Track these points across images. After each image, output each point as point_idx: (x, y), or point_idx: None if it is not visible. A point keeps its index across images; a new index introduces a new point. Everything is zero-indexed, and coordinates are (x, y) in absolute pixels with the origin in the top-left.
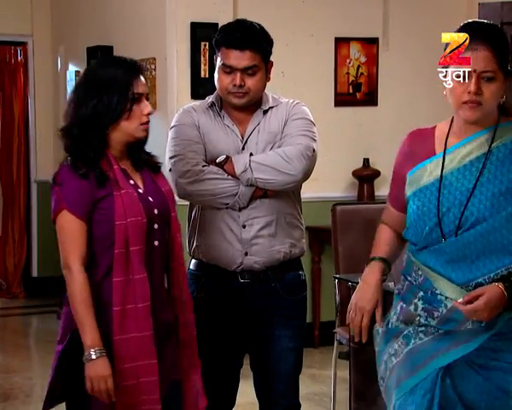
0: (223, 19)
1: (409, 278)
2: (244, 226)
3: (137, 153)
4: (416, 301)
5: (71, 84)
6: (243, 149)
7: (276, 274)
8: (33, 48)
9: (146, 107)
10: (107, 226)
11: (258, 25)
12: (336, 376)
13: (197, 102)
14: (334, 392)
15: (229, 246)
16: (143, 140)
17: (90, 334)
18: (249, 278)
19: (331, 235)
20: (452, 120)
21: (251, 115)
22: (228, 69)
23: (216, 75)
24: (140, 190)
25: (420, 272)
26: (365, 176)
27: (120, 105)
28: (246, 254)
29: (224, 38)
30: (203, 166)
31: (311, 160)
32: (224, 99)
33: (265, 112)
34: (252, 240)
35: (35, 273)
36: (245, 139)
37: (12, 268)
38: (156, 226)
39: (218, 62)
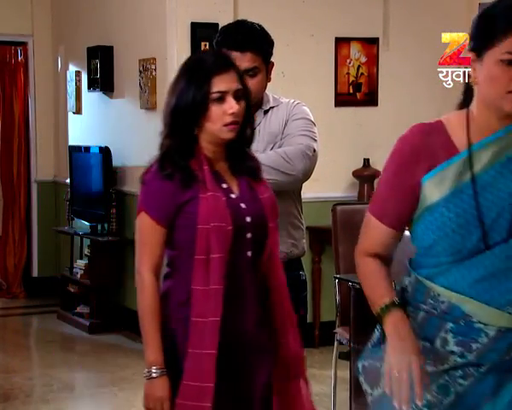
0: (223, 19)
1: (424, 308)
2: None
3: (236, 156)
4: (443, 335)
5: (71, 84)
6: None
7: None
8: (33, 48)
9: (230, 106)
10: (190, 232)
11: (259, 25)
12: (336, 376)
13: None
14: (335, 392)
15: None
16: (245, 142)
17: (152, 350)
18: None
19: (331, 235)
20: (468, 113)
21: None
22: None
23: None
24: (233, 196)
25: (441, 298)
26: (365, 176)
27: (196, 104)
28: None
29: (225, 40)
30: None
31: (311, 160)
32: None
33: (266, 112)
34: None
35: (35, 273)
36: None
37: (12, 268)
38: (249, 236)
39: None
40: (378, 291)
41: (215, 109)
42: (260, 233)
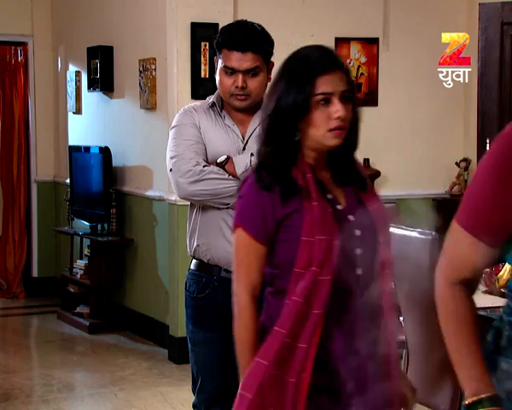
0: (223, 19)
1: None
2: None
3: (339, 164)
4: None
5: (71, 85)
6: (244, 149)
7: None
8: (34, 48)
9: (336, 109)
10: (292, 246)
11: (259, 25)
12: None
13: (198, 103)
14: None
15: (229, 246)
16: (350, 149)
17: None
18: None
19: None
20: None
21: (252, 116)
22: (229, 71)
23: (217, 77)
24: (339, 207)
25: None
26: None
27: (297, 107)
28: None
29: (226, 40)
30: (204, 166)
31: None
32: (225, 101)
33: None
34: None
35: (35, 273)
36: (246, 139)
37: (12, 268)
38: (359, 252)
39: (220, 64)
40: (471, 367)
41: (319, 113)
42: (370, 248)
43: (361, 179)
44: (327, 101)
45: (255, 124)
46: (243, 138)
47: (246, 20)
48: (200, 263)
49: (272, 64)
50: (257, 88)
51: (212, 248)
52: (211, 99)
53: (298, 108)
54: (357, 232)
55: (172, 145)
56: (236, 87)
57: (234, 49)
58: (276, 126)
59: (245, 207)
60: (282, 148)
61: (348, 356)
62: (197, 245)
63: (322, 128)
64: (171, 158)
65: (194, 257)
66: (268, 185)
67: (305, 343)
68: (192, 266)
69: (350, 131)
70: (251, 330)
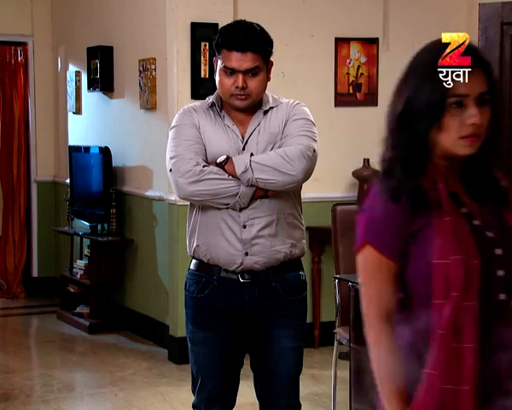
0: (223, 19)
1: None
2: (244, 226)
3: (474, 174)
4: None
5: (71, 85)
6: (244, 149)
7: (276, 274)
8: (33, 48)
9: (470, 114)
10: (422, 268)
11: (258, 25)
12: (336, 376)
13: (197, 103)
14: (335, 392)
15: (229, 246)
16: (487, 158)
17: None
18: (249, 277)
19: (331, 235)
20: None
21: (251, 116)
22: (229, 71)
23: (217, 78)
24: (475, 222)
25: None
26: (365, 176)
27: (430, 108)
28: (246, 254)
29: (225, 40)
30: (204, 166)
31: (311, 160)
32: (225, 101)
33: (266, 112)
34: (252, 240)
35: (35, 273)
36: (245, 139)
37: (12, 268)
38: (501, 273)
39: (219, 65)
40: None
41: (451, 116)
42: None
43: (501, 193)
44: (460, 104)
45: (255, 124)
46: (243, 138)
47: (245, 20)
48: (200, 263)
49: (272, 64)
50: (257, 88)
51: (211, 248)
52: (210, 99)
53: (431, 110)
54: (498, 251)
55: (172, 145)
56: (237, 87)
57: (233, 49)
58: (406, 130)
59: (372, 221)
60: (412, 154)
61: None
62: (197, 245)
63: (453, 134)
64: (171, 158)
65: (193, 257)
66: (396, 195)
67: (468, 385)
68: (192, 266)
69: (488, 138)
70: (392, 361)
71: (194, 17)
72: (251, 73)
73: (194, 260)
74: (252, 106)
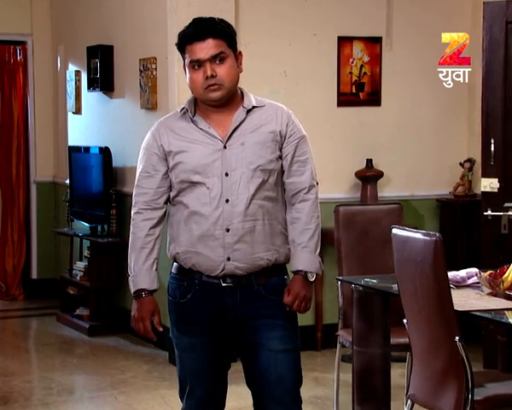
0: (224, 18)
1: None
2: (228, 230)
3: None
4: None
5: (71, 84)
6: (225, 147)
7: (258, 279)
8: (33, 47)
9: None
10: None
11: (218, 18)
12: (339, 379)
13: (172, 113)
14: (337, 395)
15: (210, 252)
16: None
17: None
18: (232, 282)
19: (334, 236)
20: None
21: (232, 115)
22: (196, 64)
23: (187, 78)
24: None
25: None
26: (368, 177)
27: None
28: (228, 259)
29: (185, 36)
30: (137, 211)
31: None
32: (201, 100)
33: (249, 111)
34: (234, 245)
35: (34, 275)
36: (226, 139)
37: (11, 270)
38: None
39: (187, 63)
40: None
41: None
42: None
43: None
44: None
45: (237, 122)
46: (222, 139)
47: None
48: (181, 267)
49: (240, 54)
50: (228, 75)
51: (193, 256)
52: (183, 106)
53: None
54: None
55: (138, 166)
56: (206, 78)
57: (194, 40)
58: None
59: None
60: None
61: None
62: (177, 253)
63: None
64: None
65: (175, 260)
66: None
67: None
68: (173, 270)
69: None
70: None
71: (195, 16)
72: (217, 59)
73: (175, 264)
74: (229, 101)
